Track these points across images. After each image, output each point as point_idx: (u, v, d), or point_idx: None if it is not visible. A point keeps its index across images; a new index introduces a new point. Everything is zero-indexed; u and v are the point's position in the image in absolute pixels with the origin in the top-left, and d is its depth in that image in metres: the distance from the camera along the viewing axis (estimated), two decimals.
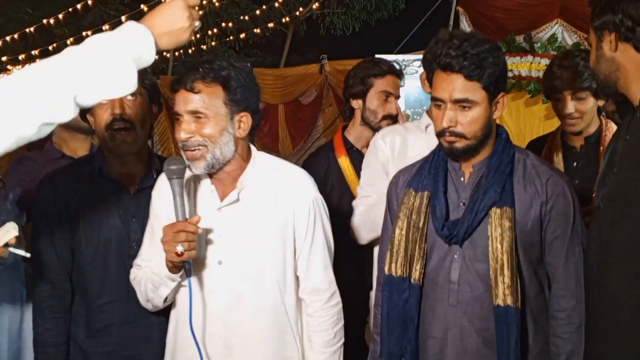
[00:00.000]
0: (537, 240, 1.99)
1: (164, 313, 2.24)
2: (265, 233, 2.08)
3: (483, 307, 1.96)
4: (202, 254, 2.04)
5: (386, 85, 3.07)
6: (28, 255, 1.92)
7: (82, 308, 2.27)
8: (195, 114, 1.95)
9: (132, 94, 2.11)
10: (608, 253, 1.74)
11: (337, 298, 2.20)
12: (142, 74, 2.09)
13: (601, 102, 2.65)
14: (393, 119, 3.08)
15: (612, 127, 2.68)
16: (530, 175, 1.99)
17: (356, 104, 3.13)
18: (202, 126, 1.96)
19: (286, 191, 2.11)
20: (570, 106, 2.60)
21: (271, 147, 10.94)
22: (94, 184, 2.26)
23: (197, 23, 1.69)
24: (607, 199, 1.78)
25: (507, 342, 1.89)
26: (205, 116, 1.96)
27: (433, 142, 2.12)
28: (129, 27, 1.58)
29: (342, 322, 2.20)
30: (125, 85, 1.55)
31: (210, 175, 2.08)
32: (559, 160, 2.72)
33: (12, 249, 1.81)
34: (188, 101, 1.94)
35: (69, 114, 1.50)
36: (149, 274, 2.07)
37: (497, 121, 2.41)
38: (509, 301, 1.88)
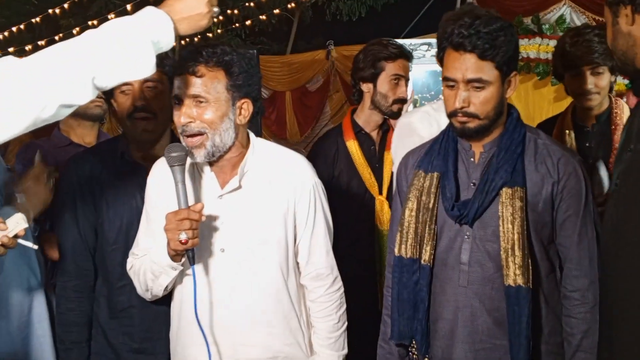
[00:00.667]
0: (548, 221, 1.98)
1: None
2: (267, 219, 2.08)
3: (494, 287, 1.95)
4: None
5: (398, 69, 3.04)
6: (36, 247, 1.93)
7: (104, 289, 2.31)
8: (197, 98, 1.94)
9: (153, 82, 2.17)
10: (624, 231, 1.73)
11: (339, 282, 2.20)
12: (164, 59, 2.11)
13: (614, 79, 2.64)
14: (403, 102, 3.07)
15: (622, 105, 2.66)
16: (542, 154, 1.98)
17: (366, 87, 3.10)
18: (203, 111, 1.95)
19: (286, 177, 2.10)
20: (590, 81, 2.58)
21: (279, 135, 10.93)
22: (116, 166, 2.30)
23: (215, 9, 1.71)
24: (623, 176, 1.76)
25: (519, 322, 1.89)
26: (206, 101, 1.94)
27: None
28: (148, 12, 1.59)
29: (344, 306, 2.21)
30: (144, 67, 1.56)
31: (210, 163, 2.07)
32: (571, 140, 2.70)
33: (20, 241, 1.83)
34: (190, 85, 1.93)
35: (87, 95, 1.51)
36: (148, 263, 2.06)
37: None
38: (520, 281, 1.88)
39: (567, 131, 2.73)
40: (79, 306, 2.29)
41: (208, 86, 1.93)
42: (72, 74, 1.46)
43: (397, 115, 3.04)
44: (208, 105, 1.94)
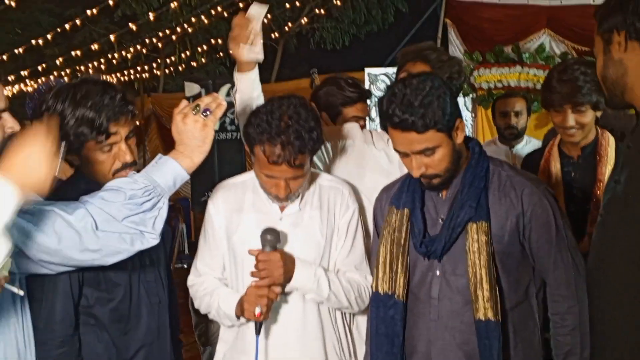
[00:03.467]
0: (515, 252, 2.00)
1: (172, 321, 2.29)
2: (319, 240, 2.26)
3: (463, 321, 1.97)
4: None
5: (356, 112, 2.95)
6: (22, 293, 1.83)
7: (104, 339, 2.10)
8: (296, 179, 2.14)
9: (133, 133, 2.08)
10: (609, 259, 1.73)
11: (369, 287, 2.26)
12: (132, 104, 2.08)
13: (599, 114, 2.66)
14: None
15: (608, 137, 2.69)
16: (505, 187, 2.00)
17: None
18: (299, 184, 2.18)
19: (333, 201, 2.30)
20: (571, 119, 2.61)
21: None
22: None
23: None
24: (609, 205, 1.76)
25: (489, 356, 1.91)
26: (303, 176, 2.17)
27: None
28: None
29: (363, 297, 2.27)
30: None
31: None
32: (556, 171, 2.73)
33: (6, 286, 1.71)
34: (285, 172, 2.11)
35: None
36: (215, 302, 2.26)
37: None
38: (490, 315, 1.90)
39: (552, 162, 2.76)
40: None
41: (305, 169, 2.15)
42: None
43: None
44: (303, 179, 2.19)
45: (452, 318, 1.98)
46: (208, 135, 1.90)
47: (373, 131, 2.79)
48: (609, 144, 2.65)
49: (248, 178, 2.32)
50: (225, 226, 2.30)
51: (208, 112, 1.91)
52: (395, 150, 1.99)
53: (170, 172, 1.88)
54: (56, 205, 1.74)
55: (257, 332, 2.11)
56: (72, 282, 2.02)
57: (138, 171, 2.21)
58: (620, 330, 1.69)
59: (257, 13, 2.39)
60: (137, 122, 2.36)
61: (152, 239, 1.85)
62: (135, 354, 2.17)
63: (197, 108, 1.90)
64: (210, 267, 2.35)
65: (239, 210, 2.29)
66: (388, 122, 1.94)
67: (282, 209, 2.25)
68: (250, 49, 2.37)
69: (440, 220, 2.01)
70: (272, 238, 2.12)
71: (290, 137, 2.05)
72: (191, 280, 2.40)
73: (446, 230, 1.96)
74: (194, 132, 1.89)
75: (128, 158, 2.05)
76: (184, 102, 1.94)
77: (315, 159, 2.44)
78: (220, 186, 2.40)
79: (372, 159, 2.61)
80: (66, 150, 1.84)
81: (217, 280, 2.34)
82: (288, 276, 2.13)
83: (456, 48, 7.49)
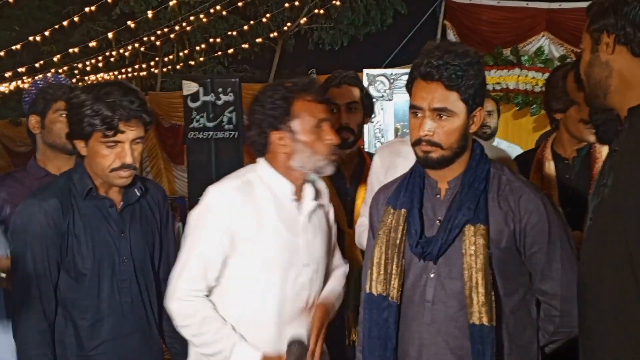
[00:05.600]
0: (512, 257, 1.97)
1: (156, 325, 2.35)
2: (329, 232, 2.32)
3: (457, 326, 1.93)
4: None
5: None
6: (3, 275, 1.89)
7: (71, 329, 2.23)
8: None
9: (140, 139, 2.21)
10: (600, 265, 1.73)
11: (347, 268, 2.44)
12: (148, 114, 2.20)
13: None
14: (349, 130, 2.93)
15: None
16: (504, 191, 1.97)
17: None
18: None
19: (324, 195, 2.34)
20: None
21: None
22: (83, 202, 2.26)
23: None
24: (598, 210, 1.76)
25: None
26: None
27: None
28: None
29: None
30: None
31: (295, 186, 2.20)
32: (550, 171, 2.71)
33: None
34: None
35: None
36: (221, 347, 2.08)
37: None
38: (485, 320, 1.86)
39: (546, 162, 2.74)
40: (49, 350, 2.19)
41: None
42: None
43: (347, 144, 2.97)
44: None
45: (446, 322, 1.94)
46: None
47: None
48: (603, 146, 2.65)
49: (252, 177, 2.18)
50: (241, 231, 2.11)
51: None
52: (412, 106, 1.95)
53: None
54: None
55: None
56: (50, 263, 2.20)
57: (137, 176, 2.32)
58: (610, 335, 1.68)
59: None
60: (146, 133, 2.38)
61: None
62: (96, 347, 2.23)
63: None
64: (207, 283, 2.13)
65: (259, 212, 2.13)
66: (418, 73, 1.91)
67: (298, 203, 2.19)
68: None
69: (437, 222, 1.98)
70: (299, 350, 2.07)
71: None
72: (192, 299, 2.12)
73: (443, 231, 1.93)
74: None
75: (128, 159, 2.18)
76: None
77: None
78: (224, 188, 2.17)
79: None
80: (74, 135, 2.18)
81: (231, 325, 2.12)
82: None
83: None
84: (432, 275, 1.97)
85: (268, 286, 2.12)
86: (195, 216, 2.15)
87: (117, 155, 2.17)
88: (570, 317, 1.94)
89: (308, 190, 2.23)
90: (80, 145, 2.21)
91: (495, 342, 1.88)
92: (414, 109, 1.94)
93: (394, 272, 2.00)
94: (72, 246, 2.22)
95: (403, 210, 2.02)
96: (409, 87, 1.98)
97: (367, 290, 2.05)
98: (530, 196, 1.96)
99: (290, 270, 2.15)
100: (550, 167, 2.72)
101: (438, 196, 2.02)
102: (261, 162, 2.21)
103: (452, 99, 1.88)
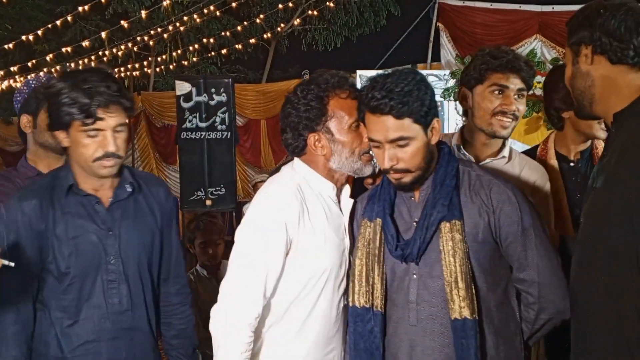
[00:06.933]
0: (490, 250, 2.00)
1: (150, 329, 2.27)
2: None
3: (442, 324, 1.96)
4: None
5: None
6: (12, 264, 1.87)
7: (52, 330, 2.18)
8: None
9: (122, 126, 2.13)
10: (587, 269, 1.77)
11: None
12: (128, 100, 2.11)
13: None
14: None
15: (602, 143, 2.69)
16: (475, 186, 2.01)
17: None
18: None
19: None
20: None
21: (253, 163, 10.93)
22: (66, 200, 2.20)
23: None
24: (588, 214, 1.80)
25: (467, 356, 1.89)
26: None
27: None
28: None
29: None
30: None
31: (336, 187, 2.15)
32: (553, 168, 2.70)
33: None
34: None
35: None
36: None
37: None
38: (466, 313, 1.89)
39: (550, 162, 2.73)
40: (22, 352, 2.15)
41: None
42: None
43: None
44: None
45: (431, 321, 1.96)
46: None
47: None
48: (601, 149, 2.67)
49: (299, 181, 2.10)
50: (300, 241, 2.03)
51: None
52: (369, 140, 1.98)
53: None
54: None
55: None
56: (28, 265, 2.13)
57: (138, 170, 2.23)
58: (601, 336, 1.71)
59: None
60: (129, 120, 2.31)
61: None
62: (75, 349, 2.17)
63: None
64: (264, 302, 2.01)
65: (313, 218, 2.06)
66: (366, 107, 1.93)
67: (338, 200, 2.15)
68: None
69: (414, 224, 2.01)
70: None
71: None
72: (254, 317, 1.98)
73: (420, 230, 1.96)
74: None
75: (110, 147, 2.11)
76: None
77: None
78: (281, 196, 2.05)
79: None
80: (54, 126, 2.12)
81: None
82: None
83: (448, 52, 7.52)
84: (414, 277, 1.99)
85: (319, 297, 2.07)
86: (249, 229, 2.04)
87: (99, 144, 2.09)
88: (548, 302, 1.99)
89: (345, 190, 2.18)
90: (61, 136, 2.15)
91: (478, 335, 1.90)
92: (372, 141, 1.97)
93: (376, 281, 2.02)
94: (52, 246, 2.16)
95: (378, 220, 2.04)
96: (361, 117, 2.00)
97: (351, 303, 2.06)
98: (500, 188, 2.00)
99: (339, 275, 2.11)
100: (553, 163, 2.72)
101: (413, 199, 2.05)
102: (299, 164, 2.14)
103: (406, 125, 1.91)
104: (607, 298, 1.69)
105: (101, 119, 2.06)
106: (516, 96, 2.37)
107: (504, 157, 2.45)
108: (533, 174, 2.44)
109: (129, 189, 2.25)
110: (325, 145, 2.07)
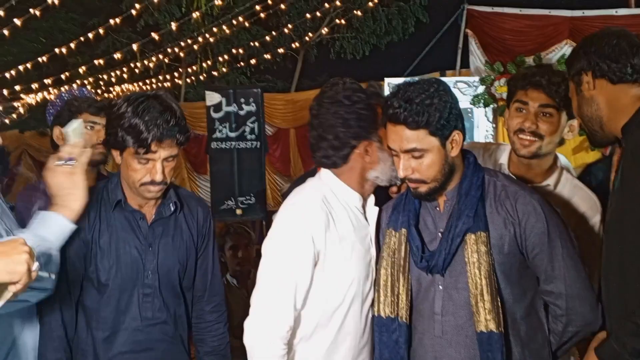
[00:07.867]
0: (516, 262, 1.97)
1: (182, 341, 2.32)
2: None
3: (468, 336, 1.94)
4: None
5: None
6: (53, 276, 1.90)
7: (90, 339, 2.25)
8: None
9: (173, 157, 2.19)
10: (607, 282, 1.85)
11: None
12: (182, 133, 2.16)
13: None
14: None
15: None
16: (501, 197, 1.98)
17: None
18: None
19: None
20: None
21: (283, 172, 10.95)
22: (113, 213, 2.27)
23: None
24: (608, 224, 1.88)
25: None
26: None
27: None
28: None
29: None
30: None
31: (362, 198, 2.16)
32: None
33: (40, 273, 1.71)
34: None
35: None
36: None
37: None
38: (492, 326, 1.87)
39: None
40: (64, 356, 2.22)
41: None
42: None
43: None
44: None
45: (457, 333, 1.95)
46: (76, 182, 2.05)
47: None
48: None
49: (325, 192, 2.10)
50: (328, 253, 2.03)
51: (73, 161, 2.02)
52: (388, 147, 1.99)
53: (55, 225, 2.03)
54: None
55: None
56: (72, 272, 2.21)
57: (182, 189, 2.39)
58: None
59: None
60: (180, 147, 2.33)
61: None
62: (112, 358, 2.23)
63: (61, 160, 2.02)
64: (295, 309, 2.02)
65: (340, 229, 2.06)
66: (385, 115, 1.94)
67: (364, 210, 2.15)
68: None
69: (439, 234, 1.99)
70: None
71: None
72: (286, 330, 1.99)
73: (445, 242, 1.95)
74: (63, 182, 2.03)
75: (158, 177, 2.17)
76: (51, 159, 2.05)
77: None
78: (308, 208, 2.05)
79: None
80: (109, 144, 2.22)
81: None
82: None
83: (477, 58, 7.47)
84: (439, 288, 1.98)
85: (349, 309, 2.07)
86: (276, 241, 2.06)
87: (147, 170, 2.17)
88: (576, 314, 1.96)
89: (370, 199, 2.18)
90: (115, 154, 2.22)
91: (504, 348, 1.88)
92: (391, 150, 1.98)
93: (401, 291, 2.01)
94: (95, 256, 2.23)
95: (403, 230, 2.03)
96: (384, 124, 2.00)
97: (376, 313, 2.06)
98: (526, 199, 1.97)
99: (366, 287, 2.11)
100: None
101: (438, 209, 2.03)
102: (328, 174, 2.14)
103: (421, 137, 1.90)
104: (621, 312, 1.77)
105: (154, 151, 2.13)
106: (541, 113, 2.30)
107: (548, 184, 2.37)
108: (582, 204, 2.33)
109: (172, 208, 2.31)
110: (373, 153, 2.07)
